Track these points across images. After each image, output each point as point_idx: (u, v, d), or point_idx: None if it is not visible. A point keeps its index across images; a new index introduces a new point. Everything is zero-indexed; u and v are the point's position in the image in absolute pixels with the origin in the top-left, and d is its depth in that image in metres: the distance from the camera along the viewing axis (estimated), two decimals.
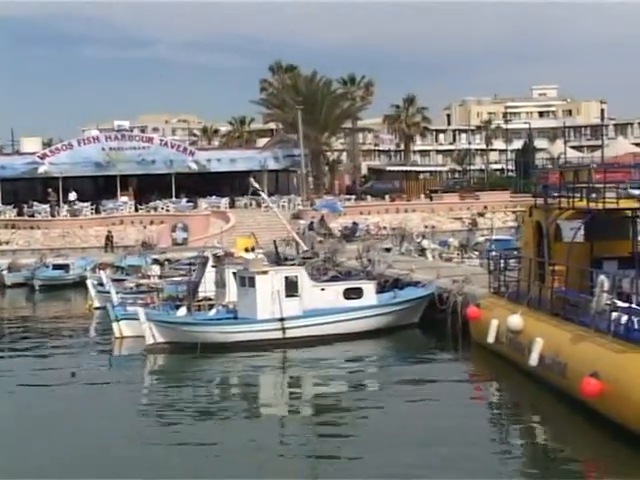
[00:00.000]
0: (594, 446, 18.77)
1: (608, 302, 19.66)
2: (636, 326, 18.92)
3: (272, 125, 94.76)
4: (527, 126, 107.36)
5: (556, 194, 24.87)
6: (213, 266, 34.20)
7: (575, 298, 21.92)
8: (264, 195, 43.41)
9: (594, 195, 23.29)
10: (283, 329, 30.01)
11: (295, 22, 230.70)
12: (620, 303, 19.44)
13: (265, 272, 30.43)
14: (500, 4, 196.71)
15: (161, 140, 78.95)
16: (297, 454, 19.01)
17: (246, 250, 39.20)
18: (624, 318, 19.13)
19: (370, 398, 23.80)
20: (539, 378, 22.37)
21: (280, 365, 28.80)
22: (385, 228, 63.27)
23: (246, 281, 30.54)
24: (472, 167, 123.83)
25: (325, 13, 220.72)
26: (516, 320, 23.83)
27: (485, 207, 72.66)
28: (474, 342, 28.08)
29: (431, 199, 78.62)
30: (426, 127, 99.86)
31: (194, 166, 74.55)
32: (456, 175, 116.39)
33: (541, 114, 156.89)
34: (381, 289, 34.06)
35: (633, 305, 19.24)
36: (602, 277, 20.06)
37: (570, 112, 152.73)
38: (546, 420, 20.93)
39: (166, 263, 47.04)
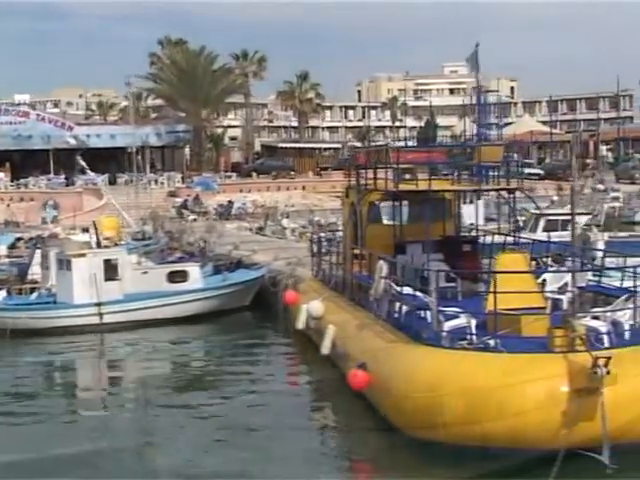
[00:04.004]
0: (373, 439, 17.91)
1: (386, 288, 18.84)
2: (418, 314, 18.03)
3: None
4: (428, 103, 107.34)
5: (365, 175, 23.96)
6: (38, 247, 32.82)
7: (366, 284, 21.07)
8: (91, 173, 42.09)
9: (408, 176, 22.43)
10: (100, 314, 28.78)
11: None
12: (396, 289, 18.58)
13: (82, 255, 29.14)
14: None
15: (38, 115, 76.90)
16: (114, 442, 18.02)
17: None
18: (397, 305, 18.37)
19: (183, 383, 23.29)
20: (334, 367, 21.52)
21: (96, 351, 27.83)
22: (262, 207, 62.14)
23: (64, 264, 29.23)
24: (375, 144, 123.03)
25: None
26: (316, 306, 23.03)
27: None
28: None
29: (321, 176, 77.78)
30: (319, 104, 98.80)
31: (73, 141, 72.59)
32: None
33: (452, 91, 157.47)
34: (227, 270, 33.17)
35: (406, 291, 18.35)
36: (380, 262, 19.26)
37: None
38: (338, 411, 20.09)
39: (22, 243, 45.47)
